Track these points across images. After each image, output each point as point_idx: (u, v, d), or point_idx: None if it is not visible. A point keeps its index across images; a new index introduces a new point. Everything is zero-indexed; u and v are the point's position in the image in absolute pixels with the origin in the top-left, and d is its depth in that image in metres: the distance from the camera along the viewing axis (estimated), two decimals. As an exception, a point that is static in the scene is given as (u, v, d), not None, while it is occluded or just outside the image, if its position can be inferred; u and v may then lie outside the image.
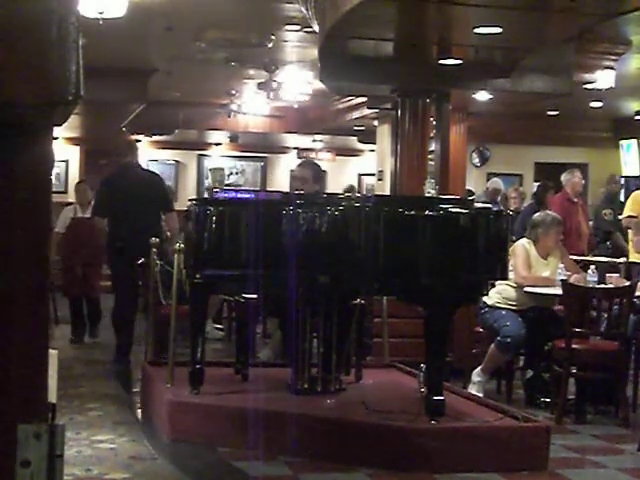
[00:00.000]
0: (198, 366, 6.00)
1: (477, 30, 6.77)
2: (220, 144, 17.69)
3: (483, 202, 9.99)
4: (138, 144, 17.10)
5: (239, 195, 6.12)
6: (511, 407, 6.11)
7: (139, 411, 6.64)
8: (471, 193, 12.15)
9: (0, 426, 1.57)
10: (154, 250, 7.44)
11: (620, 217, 11.09)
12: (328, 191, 16.91)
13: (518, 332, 7.00)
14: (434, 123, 9.25)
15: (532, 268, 7.28)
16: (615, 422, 6.64)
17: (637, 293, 6.78)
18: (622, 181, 13.95)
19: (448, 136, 9.42)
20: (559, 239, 7.56)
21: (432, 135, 9.28)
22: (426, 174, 8.66)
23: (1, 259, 1.58)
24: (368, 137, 14.53)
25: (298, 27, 8.81)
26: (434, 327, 5.44)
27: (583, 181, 10.92)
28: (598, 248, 10.80)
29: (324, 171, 18.65)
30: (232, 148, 17.84)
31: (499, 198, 11.93)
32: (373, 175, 13.81)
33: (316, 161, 8.26)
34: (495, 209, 7.12)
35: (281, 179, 18.04)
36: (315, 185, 7.09)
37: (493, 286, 6.81)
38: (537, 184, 12.10)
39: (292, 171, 7.36)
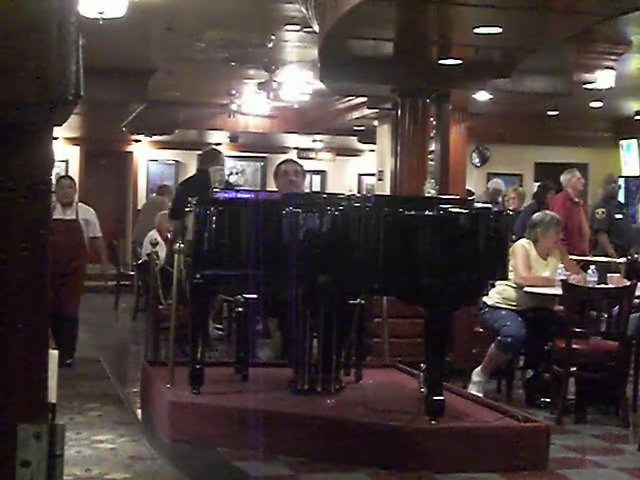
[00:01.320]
0: (198, 366, 6.00)
1: (477, 30, 6.77)
2: (220, 144, 17.67)
3: (483, 202, 10.00)
4: (138, 144, 17.21)
5: (239, 195, 6.11)
6: (511, 407, 6.11)
7: (139, 411, 6.64)
8: (471, 193, 12.16)
9: (0, 426, 1.57)
10: (154, 250, 7.44)
11: (617, 216, 11.08)
12: (328, 191, 16.94)
13: (518, 332, 7.00)
14: (434, 123, 9.25)
15: (532, 268, 7.28)
16: (615, 422, 6.63)
17: (637, 293, 6.78)
18: (619, 181, 13.92)
19: (448, 136, 9.43)
20: (558, 239, 7.55)
21: (432, 135, 9.28)
22: (426, 174, 8.66)
23: (1, 259, 1.58)
24: (368, 137, 14.53)
25: (298, 27, 8.81)
26: (434, 327, 5.44)
27: (583, 180, 10.92)
28: (596, 248, 10.78)
29: (324, 171, 18.70)
30: (232, 148, 17.84)
31: (500, 199, 11.94)
32: (373, 175, 13.81)
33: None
34: (495, 209, 7.13)
35: (281, 179, 18.02)
36: (303, 180, 7.11)
37: (493, 286, 6.80)
38: (537, 184, 12.10)
39: (279, 167, 7.18)
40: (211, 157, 8.97)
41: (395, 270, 5.47)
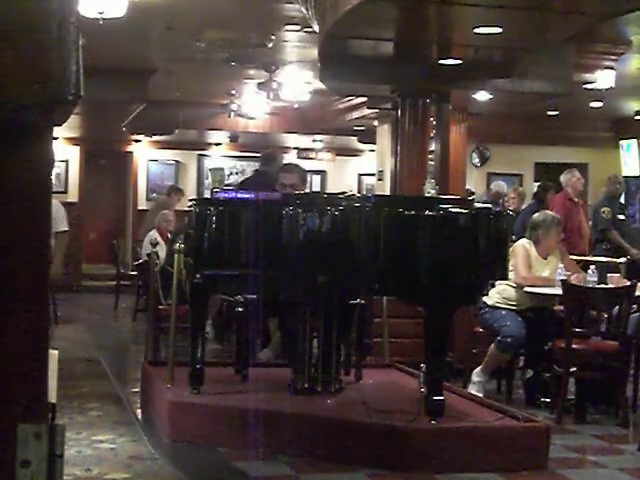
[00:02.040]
0: (198, 366, 6.00)
1: (477, 30, 6.77)
2: (220, 144, 17.68)
3: (484, 202, 10.00)
4: (138, 144, 17.20)
5: (239, 195, 6.11)
6: (511, 407, 6.11)
7: (139, 411, 6.64)
8: (471, 193, 12.15)
9: (0, 426, 1.57)
10: (154, 250, 7.44)
11: (620, 217, 11.09)
12: (327, 191, 16.92)
13: (518, 332, 7.01)
14: (434, 123, 9.24)
15: (532, 268, 7.28)
16: (615, 422, 6.63)
17: (637, 293, 6.78)
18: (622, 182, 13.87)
19: (448, 136, 9.42)
20: (560, 239, 7.56)
21: (432, 135, 9.28)
22: (426, 174, 8.67)
23: (1, 259, 1.58)
24: (368, 137, 14.52)
25: (298, 27, 8.80)
26: (434, 327, 5.44)
27: (582, 180, 10.92)
28: (596, 248, 10.77)
29: (324, 171, 18.69)
30: (232, 148, 17.83)
31: (501, 200, 11.93)
32: (373, 175, 13.80)
33: (298, 163, 7.95)
34: (495, 209, 7.13)
35: (281, 179, 18.03)
36: (303, 188, 7.07)
37: (493, 286, 6.81)
38: (537, 184, 12.09)
39: (279, 174, 7.16)
40: (269, 159, 9.03)
41: (395, 270, 5.47)
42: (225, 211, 5.76)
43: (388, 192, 10.83)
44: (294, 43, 9.74)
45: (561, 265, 7.32)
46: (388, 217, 5.43)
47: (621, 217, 11.09)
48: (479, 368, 7.21)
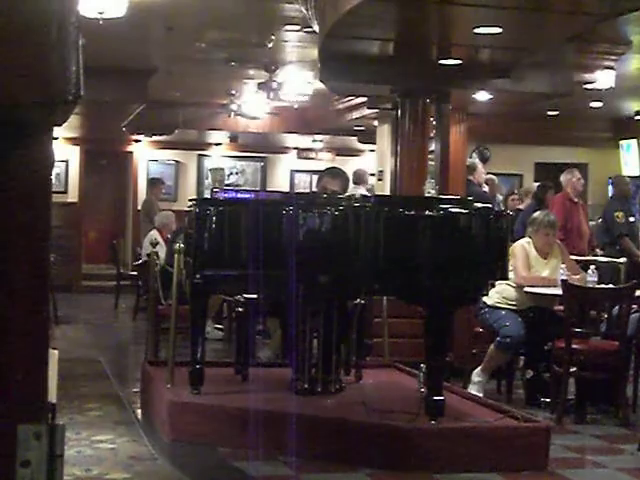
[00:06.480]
0: (198, 366, 6.00)
1: (477, 30, 6.76)
2: (220, 144, 17.67)
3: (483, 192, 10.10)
4: (138, 144, 17.20)
5: (239, 195, 6.11)
6: (511, 407, 6.11)
7: (139, 411, 6.64)
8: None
9: (0, 426, 1.57)
10: (154, 250, 7.44)
11: (632, 219, 11.05)
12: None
13: (518, 332, 7.01)
14: (434, 123, 9.24)
15: (532, 268, 7.28)
16: (615, 422, 6.64)
17: (637, 293, 6.78)
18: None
19: (448, 136, 9.41)
20: (549, 242, 7.44)
21: (432, 135, 9.28)
22: (426, 174, 8.66)
23: (1, 259, 1.58)
24: (368, 137, 14.51)
25: (298, 27, 8.80)
26: (434, 327, 5.44)
27: (582, 180, 10.91)
28: (607, 250, 10.72)
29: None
30: (232, 148, 17.83)
31: (500, 197, 11.93)
32: (373, 175, 13.80)
33: (344, 170, 7.71)
34: (495, 209, 7.13)
35: (281, 179, 18.04)
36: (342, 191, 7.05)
37: (493, 286, 6.81)
38: (537, 184, 12.09)
39: (322, 176, 7.21)
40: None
41: (395, 270, 5.47)
42: (225, 211, 5.76)
43: (388, 192, 10.82)
44: (294, 43, 9.73)
45: (563, 265, 7.32)
46: (388, 217, 5.43)
47: (631, 219, 11.04)
48: (479, 368, 7.21)
